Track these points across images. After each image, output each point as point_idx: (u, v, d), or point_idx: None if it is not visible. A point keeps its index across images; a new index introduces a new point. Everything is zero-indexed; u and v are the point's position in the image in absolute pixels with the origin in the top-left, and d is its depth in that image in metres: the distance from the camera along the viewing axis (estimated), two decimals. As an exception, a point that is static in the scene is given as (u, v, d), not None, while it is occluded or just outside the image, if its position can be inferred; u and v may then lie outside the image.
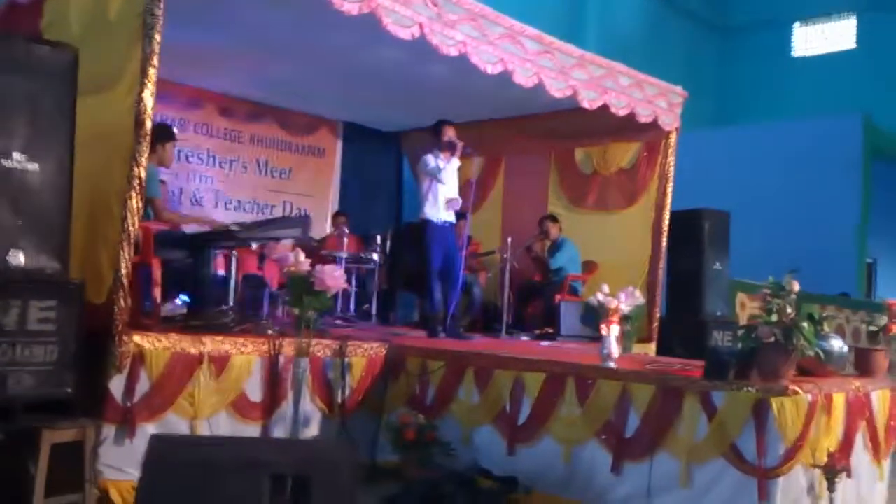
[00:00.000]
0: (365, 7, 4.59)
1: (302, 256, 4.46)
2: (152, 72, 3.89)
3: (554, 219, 7.77)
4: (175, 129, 5.85)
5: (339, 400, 4.76)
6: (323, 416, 4.71)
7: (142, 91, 3.88)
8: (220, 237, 4.90)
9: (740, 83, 18.46)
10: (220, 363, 4.27)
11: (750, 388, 3.73)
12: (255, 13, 5.35)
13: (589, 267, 7.58)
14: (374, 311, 7.42)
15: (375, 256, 7.47)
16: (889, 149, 12.77)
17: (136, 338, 3.98)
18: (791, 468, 3.69)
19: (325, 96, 7.69)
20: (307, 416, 4.64)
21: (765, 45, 18.42)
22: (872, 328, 4.83)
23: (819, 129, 12.00)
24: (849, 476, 4.06)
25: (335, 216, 8.38)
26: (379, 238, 7.54)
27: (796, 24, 18.32)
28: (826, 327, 4.22)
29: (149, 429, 3.90)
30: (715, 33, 19.07)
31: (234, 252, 5.40)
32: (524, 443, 4.42)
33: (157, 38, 3.88)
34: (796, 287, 3.83)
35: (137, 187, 3.89)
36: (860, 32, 17.47)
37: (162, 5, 3.89)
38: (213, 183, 7.87)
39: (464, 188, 6.70)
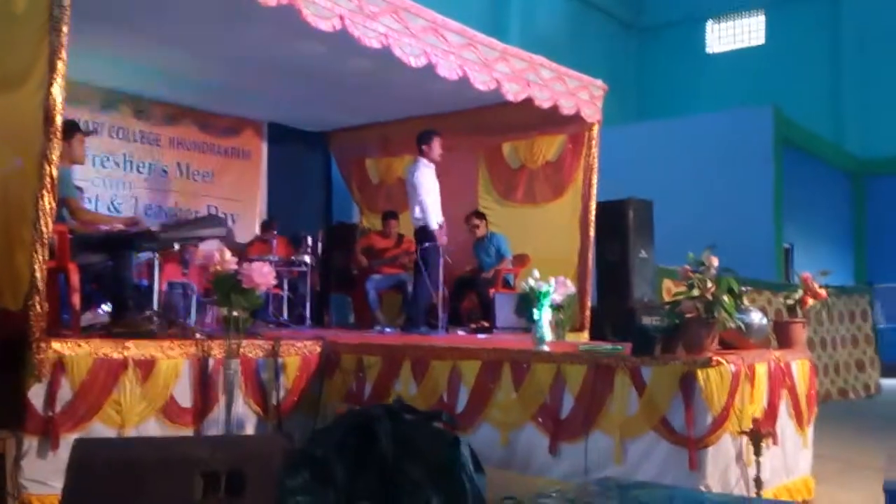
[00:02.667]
0: (283, -2, 4.53)
1: (228, 254, 4.36)
2: (61, 66, 3.75)
3: (480, 215, 7.82)
4: (82, 127, 5.59)
5: (274, 401, 4.67)
6: (258, 418, 4.61)
7: (50, 86, 3.74)
8: (141, 238, 4.75)
9: (658, 80, 19.04)
10: (146, 368, 4.13)
11: (676, 361, 3.82)
12: (168, 8, 5.21)
13: (521, 259, 7.65)
14: (307, 314, 7.31)
15: (307, 258, 7.36)
16: (799, 138, 13.33)
17: (56, 344, 3.83)
18: (719, 437, 3.78)
19: (247, 96, 7.54)
20: (241, 419, 4.53)
21: (679, 42, 19.05)
22: (789, 301, 5.00)
23: (733, 121, 12.46)
24: (775, 443, 4.21)
25: (265, 226, 8.16)
26: (310, 239, 7.44)
27: (709, 22, 19.00)
28: (745, 301, 4.37)
29: (73, 439, 3.74)
30: (632, 32, 19.62)
31: (157, 256, 5.24)
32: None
33: (65, 30, 3.75)
34: (715, 262, 3.95)
35: (49, 186, 3.75)
36: (769, 28, 18.22)
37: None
38: (132, 189, 7.61)
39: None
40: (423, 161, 6.63)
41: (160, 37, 5.82)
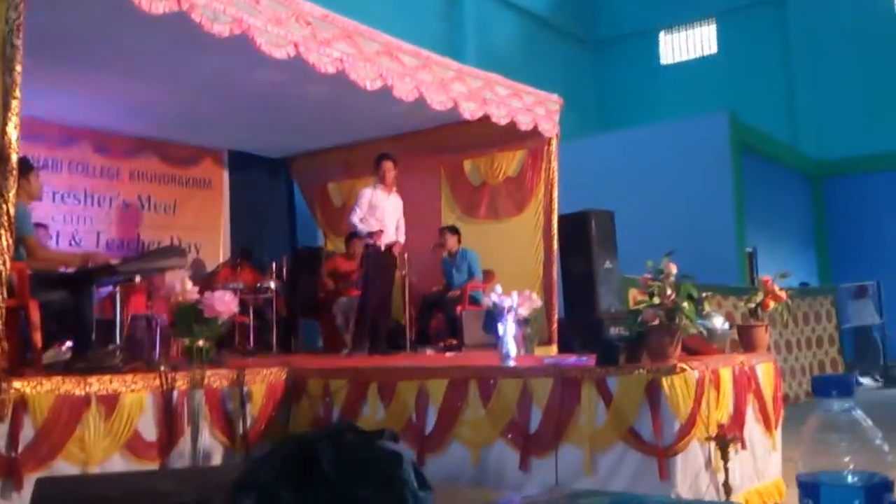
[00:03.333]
0: (236, 28, 4.55)
1: (189, 284, 4.34)
2: (15, 104, 3.71)
3: (452, 229, 7.85)
4: (33, 163, 5.54)
5: (241, 430, 4.62)
6: (225, 449, 4.55)
7: (5, 124, 3.70)
8: (101, 273, 4.70)
9: (616, 92, 19.32)
10: (110, 403, 4.07)
11: (641, 370, 3.85)
12: (123, 40, 5.19)
13: (487, 275, 7.68)
14: (274, 340, 7.27)
15: (272, 284, 7.33)
16: (756, 143, 13.57)
17: (17, 383, 3.76)
18: (687, 444, 3.81)
19: (207, 125, 7.54)
20: (208, 451, 4.47)
21: (634, 55, 19.37)
22: (751, 305, 5.07)
23: (690, 129, 12.65)
24: (743, 447, 4.26)
25: (243, 255, 8.09)
26: (275, 265, 7.41)
27: (661, 33, 19.32)
28: (707, 307, 4.43)
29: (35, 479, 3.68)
30: (588, 47, 19.91)
31: (118, 289, 5.19)
32: (433, 451, 4.41)
33: (18, 69, 3.71)
34: (674, 269, 4.01)
35: (6, 224, 3.70)
36: (721, 36, 18.57)
37: (21, 35, 3.74)
38: (93, 223, 7.55)
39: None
40: (375, 181, 6.82)
41: (116, 70, 5.81)
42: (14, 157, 3.73)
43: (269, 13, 4.76)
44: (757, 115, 15.04)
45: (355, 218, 6.64)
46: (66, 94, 6.20)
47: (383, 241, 6.58)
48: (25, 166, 4.96)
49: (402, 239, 6.85)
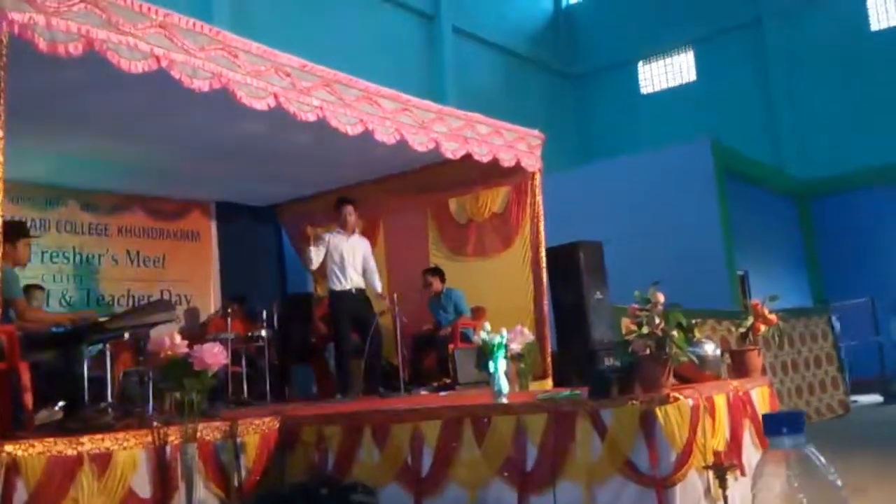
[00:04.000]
0: (216, 83, 4.61)
1: (178, 339, 4.32)
2: (-2, 170, 3.75)
3: (434, 271, 7.87)
4: (29, 227, 5.59)
5: (236, 482, 4.58)
6: (220, 502, 4.51)
7: (-11, 191, 3.73)
8: (90, 331, 4.70)
9: (597, 124, 19.55)
10: (102, 462, 4.04)
11: (634, 401, 3.84)
12: (103, 102, 5.26)
13: (478, 313, 7.70)
14: (268, 388, 7.23)
15: (263, 333, 7.31)
16: (740, 167, 13.69)
17: (9, 447, 3.72)
18: (685, 474, 3.78)
19: (192, 178, 7.59)
20: (204, 505, 4.44)
21: (614, 86, 19.62)
22: (741, 329, 5.09)
23: (673, 157, 12.76)
24: (742, 474, 4.22)
25: (238, 301, 8.10)
26: (265, 313, 7.40)
27: (640, 64, 19.59)
28: (698, 333, 4.44)
29: (29, 543, 3.65)
30: (568, 80, 20.17)
31: (108, 347, 5.18)
32: (430, 494, 4.36)
33: (0, 133, 3.75)
34: (661, 298, 4.02)
35: (-8, 289, 3.72)
36: (699, 64, 18.84)
37: (3, 102, 3.78)
38: (83, 281, 7.56)
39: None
40: (337, 229, 6.99)
41: (101, 128, 5.87)
42: (0, 223, 3.75)
43: (247, 67, 4.83)
44: (739, 138, 15.20)
45: (311, 255, 6.80)
46: (51, 154, 6.26)
47: (350, 286, 6.73)
48: (17, 232, 5.02)
49: (375, 281, 6.93)
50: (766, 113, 17.80)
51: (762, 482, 0.82)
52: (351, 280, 6.75)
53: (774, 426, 0.85)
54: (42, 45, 3.88)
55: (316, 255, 6.78)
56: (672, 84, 19.20)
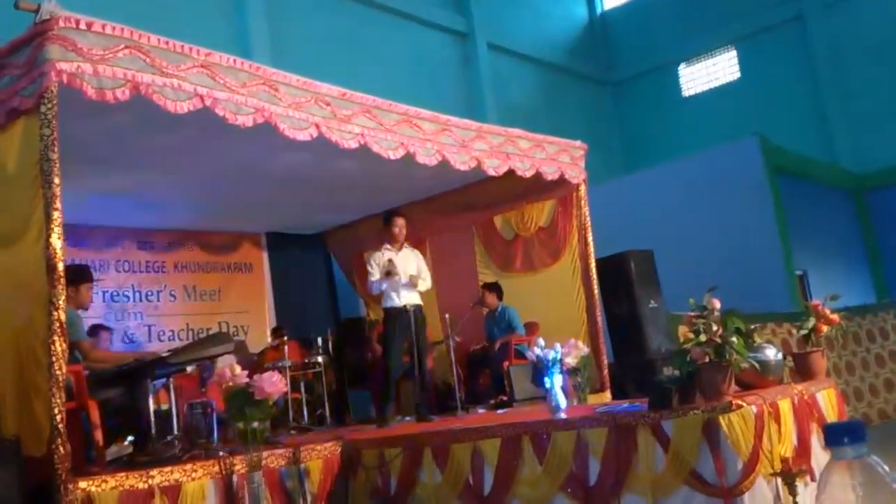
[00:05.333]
0: (259, 118, 4.72)
1: (238, 369, 4.41)
2: (56, 215, 3.87)
3: (491, 287, 7.84)
4: (92, 271, 5.76)
5: (302, 508, 4.64)
6: (288, 528, 4.58)
7: (49, 236, 3.84)
8: (153, 367, 4.82)
9: (640, 130, 19.33)
10: (172, 494, 4.13)
11: (696, 411, 3.78)
12: (152, 142, 5.42)
13: (531, 328, 7.66)
14: (327, 413, 7.31)
15: (319, 359, 7.40)
16: (791, 164, 13.39)
17: (82, 483, 3.83)
18: (753, 482, 3.71)
19: (242, 211, 7.75)
20: (272, 532, 4.50)
21: (655, 91, 19.39)
22: (803, 331, 4.96)
23: (721, 158, 12.54)
24: (812, 479, 4.11)
25: (274, 333, 8.14)
26: (320, 339, 7.49)
27: (681, 66, 19.36)
28: (758, 338, 4.35)
29: (107, 576, 3.74)
30: (607, 88, 20.03)
31: (172, 380, 5.31)
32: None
33: (57, 181, 3.88)
34: (717, 304, 3.95)
35: (59, 331, 3.83)
36: (742, 62, 18.52)
37: (57, 150, 3.92)
38: (143, 318, 7.77)
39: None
40: (385, 243, 6.60)
41: (149, 168, 6.04)
42: (60, 266, 3.87)
43: (288, 99, 4.92)
44: (787, 135, 14.88)
45: (374, 280, 6.39)
46: (105, 197, 6.45)
47: (404, 302, 6.37)
48: (81, 277, 5.19)
49: (424, 286, 6.59)
50: (814, 108, 17.40)
51: (827, 494, 0.81)
52: (404, 297, 6.41)
53: (836, 436, 0.84)
54: (91, 92, 4.01)
55: (376, 273, 6.41)
56: (715, 84, 18.92)
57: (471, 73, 15.70)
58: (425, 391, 6.55)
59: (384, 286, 6.36)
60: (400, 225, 6.54)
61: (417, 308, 6.45)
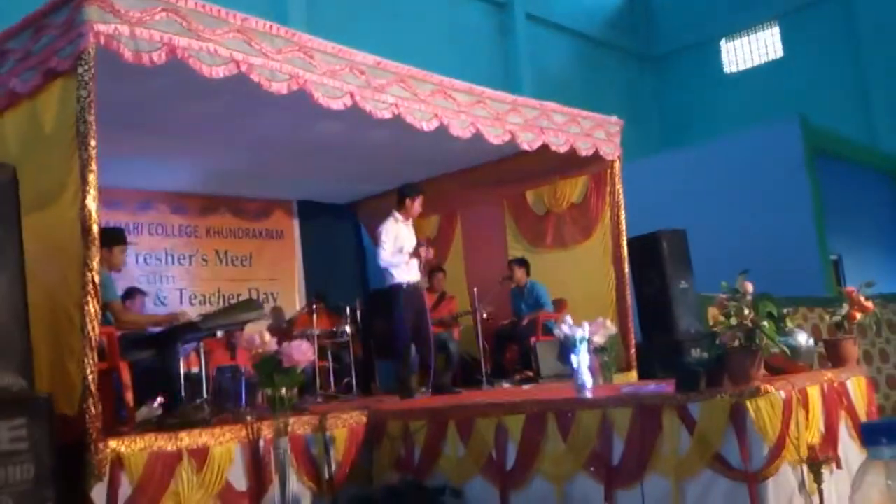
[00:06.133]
0: (294, 84, 4.71)
1: (267, 336, 4.46)
2: (92, 177, 3.91)
3: (520, 262, 7.82)
4: (126, 234, 5.82)
5: (327, 475, 4.70)
6: (312, 494, 4.63)
7: (84, 198, 3.88)
8: (184, 331, 4.89)
9: (679, 107, 19.01)
10: (200, 456, 4.20)
11: (723, 395, 3.75)
12: (187, 108, 5.44)
13: (559, 305, 7.64)
14: (354, 383, 7.37)
15: (348, 328, 7.46)
16: (831, 146, 13.10)
17: (112, 443, 3.92)
18: (778, 468, 3.69)
19: (275, 179, 7.79)
20: (297, 497, 4.55)
21: (696, 66, 19.05)
22: (836, 318, 4.89)
23: (760, 137, 12.30)
24: (839, 467, 4.09)
25: (310, 299, 8.13)
26: (349, 309, 7.54)
27: (722, 42, 18.97)
28: (789, 323, 4.29)
29: (135, 533, 3.83)
30: (646, 63, 19.70)
31: (202, 345, 5.38)
32: (516, 487, 4.38)
33: (93, 143, 3.91)
34: (749, 288, 3.90)
35: (92, 292, 3.89)
36: (785, 39, 18.10)
37: (93, 112, 3.95)
38: (175, 281, 7.86)
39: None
40: (396, 215, 6.48)
41: (186, 133, 6.07)
42: (95, 229, 3.92)
43: (323, 67, 4.90)
44: (830, 116, 14.57)
45: (386, 255, 6.30)
46: (140, 161, 6.50)
47: (416, 276, 6.33)
48: (115, 239, 5.25)
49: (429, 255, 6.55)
50: (858, 88, 16.98)
51: (861, 492, 0.79)
52: (414, 272, 6.39)
53: (873, 436, 0.82)
54: (127, 55, 4.03)
55: (389, 248, 6.33)
56: (757, 62, 18.51)
57: (508, 43, 15.52)
58: (428, 365, 6.47)
59: (398, 260, 6.31)
60: (421, 202, 6.51)
61: (420, 282, 6.51)
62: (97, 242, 3.95)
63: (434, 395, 6.16)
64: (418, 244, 6.44)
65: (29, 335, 3.67)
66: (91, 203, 3.90)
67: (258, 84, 4.55)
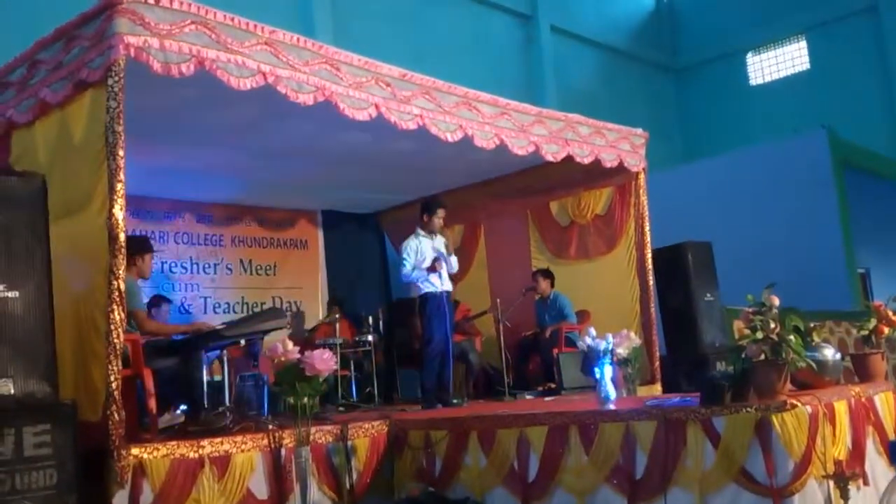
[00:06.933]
0: (319, 96, 4.75)
1: (290, 345, 4.48)
2: (120, 187, 3.96)
3: (545, 274, 7.80)
4: (152, 242, 5.89)
5: (348, 485, 4.70)
6: (333, 504, 4.65)
7: (112, 207, 3.94)
8: (208, 339, 4.93)
9: (704, 119, 18.89)
10: (222, 464, 4.22)
11: (748, 409, 3.71)
12: (214, 118, 5.49)
13: (582, 316, 7.59)
14: (375, 392, 7.38)
15: (370, 338, 7.47)
16: (858, 159, 12.95)
17: (135, 450, 3.95)
18: (804, 483, 3.64)
19: (299, 188, 7.83)
20: (317, 506, 4.57)
21: (721, 79, 18.92)
22: (863, 332, 4.82)
23: (786, 150, 12.19)
24: (865, 483, 4.02)
25: (333, 302, 8.23)
26: (371, 318, 7.56)
27: (749, 55, 18.84)
28: (816, 337, 4.24)
29: (157, 541, 3.85)
30: (671, 75, 19.61)
31: (225, 352, 5.41)
32: (538, 499, 4.36)
33: (121, 153, 3.97)
34: (776, 301, 3.86)
35: (118, 300, 3.93)
36: (812, 52, 17.94)
37: (122, 122, 4.01)
38: (200, 290, 7.92)
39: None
40: (418, 230, 6.60)
41: (211, 143, 6.13)
42: (122, 237, 3.97)
43: (349, 79, 4.94)
44: (857, 129, 14.39)
45: (406, 271, 6.45)
46: (166, 170, 6.58)
47: (445, 287, 6.44)
48: (141, 247, 5.31)
49: (455, 268, 6.67)
50: (884, 102, 16.79)
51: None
52: (445, 282, 6.50)
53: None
54: (157, 66, 4.08)
55: (409, 263, 6.48)
56: (783, 74, 18.36)
57: (532, 55, 15.52)
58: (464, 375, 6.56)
59: (418, 274, 6.42)
60: (443, 217, 6.60)
61: (450, 293, 6.57)
62: (124, 251, 4.00)
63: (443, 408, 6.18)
64: (437, 257, 6.45)
65: (54, 341, 3.73)
66: (118, 212, 3.96)
67: (285, 95, 4.59)
